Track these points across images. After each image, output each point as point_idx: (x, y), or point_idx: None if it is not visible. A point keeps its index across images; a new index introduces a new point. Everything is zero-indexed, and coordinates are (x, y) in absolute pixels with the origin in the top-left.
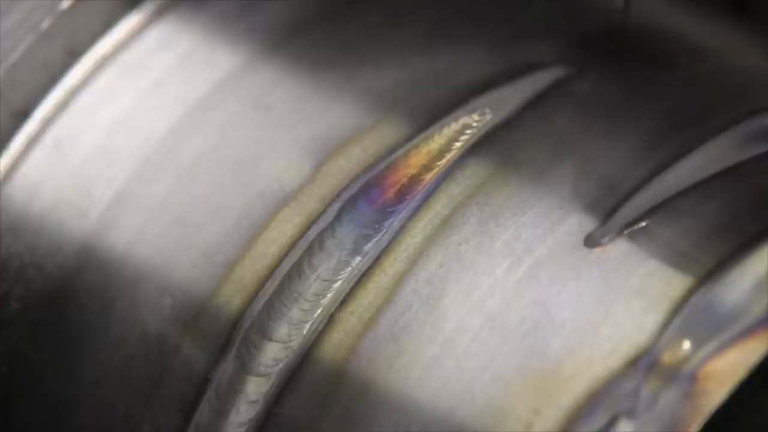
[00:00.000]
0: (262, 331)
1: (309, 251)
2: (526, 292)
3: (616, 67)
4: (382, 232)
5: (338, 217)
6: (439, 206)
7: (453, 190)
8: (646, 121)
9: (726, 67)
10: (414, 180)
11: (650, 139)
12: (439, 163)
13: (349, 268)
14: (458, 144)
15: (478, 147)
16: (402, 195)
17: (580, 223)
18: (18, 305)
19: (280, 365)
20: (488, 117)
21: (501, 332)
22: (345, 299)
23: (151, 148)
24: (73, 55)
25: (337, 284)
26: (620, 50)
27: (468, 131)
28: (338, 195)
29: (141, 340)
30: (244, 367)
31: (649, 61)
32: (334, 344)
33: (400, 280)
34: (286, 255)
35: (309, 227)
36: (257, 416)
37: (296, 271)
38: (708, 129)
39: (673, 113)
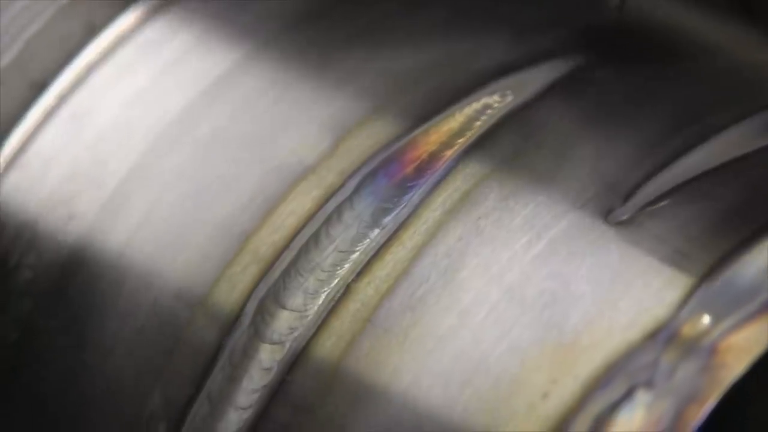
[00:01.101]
0: (277, 300)
1: (327, 223)
2: (544, 266)
3: (634, 57)
4: (401, 206)
5: (357, 190)
6: (458, 182)
7: (473, 168)
8: (665, 108)
9: (738, 63)
10: (434, 156)
11: (670, 125)
12: (459, 140)
13: (367, 240)
14: (478, 123)
15: (499, 127)
16: (422, 170)
17: (599, 201)
18: (30, 274)
19: (295, 334)
20: (509, 98)
21: (519, 304)
22: (362, 270)
23: (168, 124)
24: (92, 31)
25: (355, 255)
26: (635, 41)
27: (488, 111)
28: (357, 169)
29: (153, 311)
30: (258, 335)
31: (662, 54)
32: (350, 314)
33: (418, 253)
34: (303, 227)
35: (327, 200)
36: (270, 383)
37: (313, 242)
38: (728, 117)
39: (691, 102)
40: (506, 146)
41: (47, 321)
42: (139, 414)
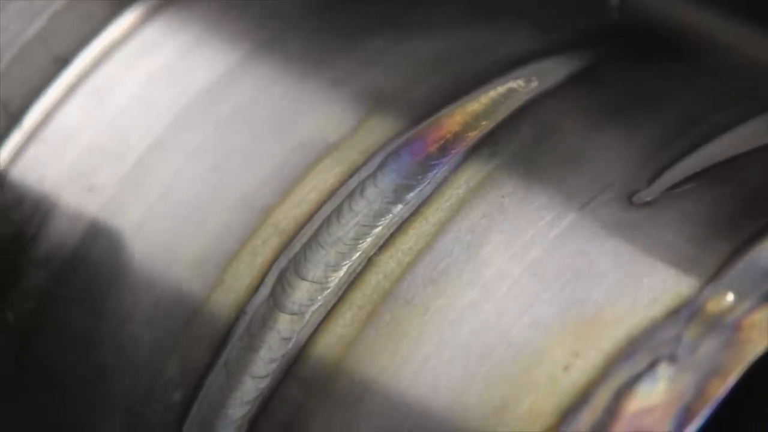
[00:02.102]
0: (297, 271)
1: (349, 198)
2: (568, 244)
3: (652, 51)
4: (425, 183)
5: (380, 167)
6: (482, 162)
7: (497, 149)
8: (691, 97)
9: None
10: (458, 136)
11: (695, 113)
12: (483, 122)
13: (390, 215)
14: (503, 107)
15: (523, 111)
16: (446, 149)
17: (624, 183)
18: (48, 245)
19: (315, 305)
20: (533, 84)
21: (541, 280)
22: (384, 244)
23: (190, 100)
24: (117, 7)
25: (377, 230)
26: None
27: (513, 96)
28: (381, 148)
29: (171, 282)
30: (277, 306)
31: (679, 50)
32: (371, 286)
33: (441, 228)
34: (325, 202)
35: (350, 176)
36: (288, 353)
37: (336, 217)
38: (754, 106)
39: (716, 92)
40: (530, 129)
41: (64, 291)
42: (155, 382)
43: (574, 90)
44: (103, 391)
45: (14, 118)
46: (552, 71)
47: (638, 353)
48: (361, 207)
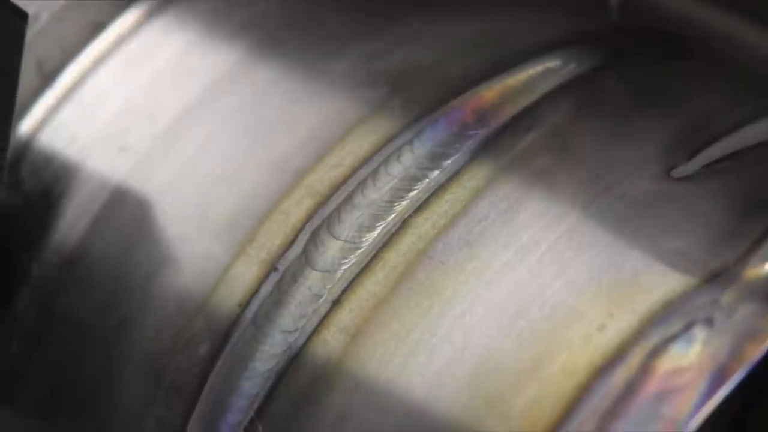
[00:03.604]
0: (331, 231)
1: (385, 163)
2: (605, 213)
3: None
4: (462, 152)
5: (418, 134)
6: (520, 134)
7: (535, 123)
8: (729, 83)
9: None
10: (496, 109)
11: (736, 96)
12: (521, 98)
13: (427, 179)
14: (541, 86)
15: (561, 90)
16: (483, 120)
17: (664, 157)
18: (76, 203)
19: (348, 264)
20: (572, 66)
21: (578, 245)
22: (420, 207)
23: (226, 68)
24: None
25: (413, 193)
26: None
27: (551, 75)
28: (418, 117)
29: (202, 239)
30: (310, 263)
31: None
32: (405, 247)
33: (477, 194)
34: (361, 166)
35: (387, 143)
36: (319, 309)
37: (371, 180)
38: None
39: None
40: (568, 107)
41: (91, 246)
42: (180, 335)
43: (612, 73)
44: (126, 344)
45: (48, 78)
46: (589, 55)
47: (674, 316)
48: (397, 171)
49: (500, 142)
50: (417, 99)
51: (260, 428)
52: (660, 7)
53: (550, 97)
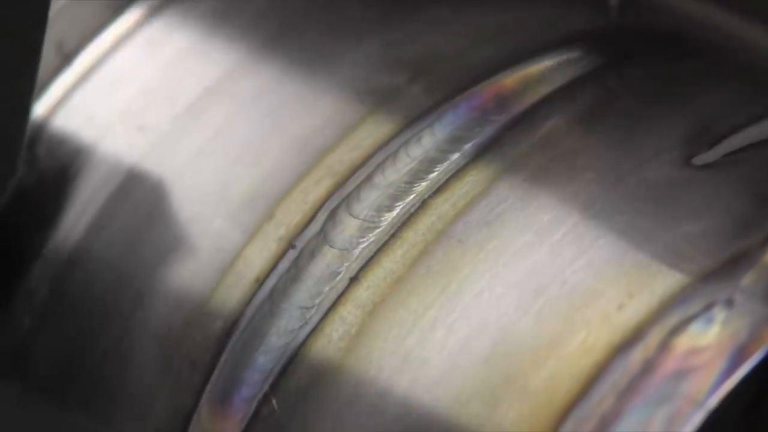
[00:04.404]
0: (350, 210)
1: (405, 145)
2: (627, 198)
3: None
4: (482, 136)
5: (438, 118)
6: (540, 121)
7: (555, 111)
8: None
9: None
10: (517, 96)
11: (758, 87)
12: (541, 87)
13: (447, 162)
14: (561, 75)
15: (582, 79)
16: (504, 107)
17: (684, 145)
18: (91, 182)
19: (366, 242)
20: (592, 56)
21: (598, 227)
22: (439, 188)
23: (245, 53)
24: None
25: (433, 175)
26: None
27: (572, 65)
28: (439, 102)
29: (220, 216)
30: (328, 240)
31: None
32: (425, 226)
33: (498, 177)
34: (381, 147)
35: (407, 126)
36: (337, 286)
37: (391, 161)
38: None
39: None
40: (588, 96)
41: (106, 225)
42: (196, 310)
43: (632, 65)
44: (141, 319)
45: (67, 59)
46: (609, 48)
47: (694, 297)
48: (418, 154)
49: (521, 127)
50: (438, 85)
51: (274, 402)
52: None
53: (570, 86)
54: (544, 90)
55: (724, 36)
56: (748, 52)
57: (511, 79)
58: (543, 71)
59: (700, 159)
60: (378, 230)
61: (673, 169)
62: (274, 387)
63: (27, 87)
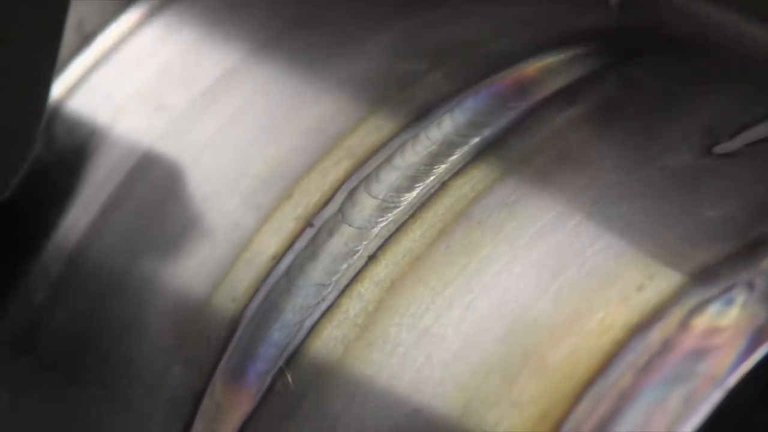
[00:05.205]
0: (369, 190)
1: (426, 128)
2: (648, 184)
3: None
4: (502, 122)
5: (458, 103)
6: (561, 108)
7: (577, 98)
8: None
9: None
10: (538, 84)
11: (760, 88)
12: (563, 76)
13: (467, 146)
14: (583, 66)
15: (604, 70)
16: (525, 94)
17: (707, 134)
18: (107, 164)
19: (385, 221)
20: (611, 51)
21: (617, 211)
22: (459, 170)
23: (267, 37)
24: None
25: (453, 157)
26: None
27: (593, 57)
28: (459, 88)
29: (236, 196)
30: (346, 219)
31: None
32: (444, 207)
33: (518, 160)
34: (401, 131)
35: (427, 111)
36: (355, 264)
37: (411, 144)
38: None
39: None
40: (610, 85)
41: (122, 202)
42: (212, 287)
43: (653, 58)
44: (156, 294)
45: (87, 39)
46: (626, 44)
47: (714, 279)
48: (437, 137)
49: (541, 114)
50: (457, 72)
51: (289, 377)
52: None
53: (592, 77)
54: (564, 79)
55: (726, 34)
56: (749, 50)
57: (531, 68)
58: (564, 61)
59: (721, 148)
60: (397, 210)
61: (694, 158)
62: (289, 362)
63: (49, 59)
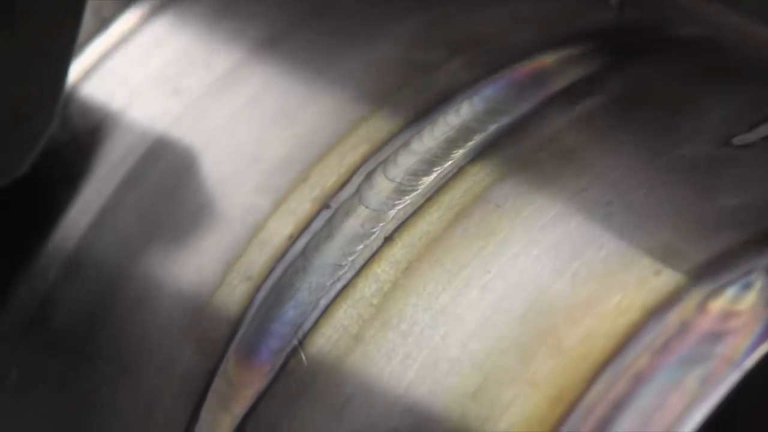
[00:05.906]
0: (386, 174)
1: (444, 114)
2: (667, 172)
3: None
4: (521, 110)
5: (476, 91)
6: (578, 98)
7: (594, 89)
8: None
9: None
10: (556, 74)
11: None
12: (580, 68)
13: (485, 132)
14: (599, 60)
15: (621, 62)
16: (542, 84)
17: (726, 126)
18: (120, 149)
19: (402, 204)
20: (624, 49)
21: (635, 197)
22: (476, 156)
23: (283, 26)
24: None
25: (471, 143)
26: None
27: (609, 51)
28: (478, 77)
29: (253, 179)
30: (363, 202)
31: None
32: (461, 191)
33: (536, 147)
34: (419, 117)
35: (445, 99)
36: (371, 245)
37: (429, 129)
38: None
39: None
40: (628, 78)
41: (138, 181)
42: (226, 269)
43: (671, 53)
44: (168, 272)
45: (105, 24)
46: (638, 41)
47: (732, 264)
48: (456, 122)
49: (560, 103)
50: (476, 61)
51: (303, 356)
52: None
53: (610, 68)
54: (582, 71)
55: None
56: (753, 50)
57: (550, 59)
58: (583, 53)
59: (741, 139)
60: (414, 193)
61: (713, 148)
62: (303, 341)
63: (69, 40)
